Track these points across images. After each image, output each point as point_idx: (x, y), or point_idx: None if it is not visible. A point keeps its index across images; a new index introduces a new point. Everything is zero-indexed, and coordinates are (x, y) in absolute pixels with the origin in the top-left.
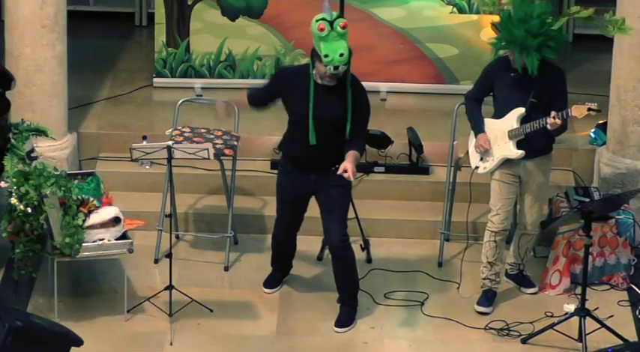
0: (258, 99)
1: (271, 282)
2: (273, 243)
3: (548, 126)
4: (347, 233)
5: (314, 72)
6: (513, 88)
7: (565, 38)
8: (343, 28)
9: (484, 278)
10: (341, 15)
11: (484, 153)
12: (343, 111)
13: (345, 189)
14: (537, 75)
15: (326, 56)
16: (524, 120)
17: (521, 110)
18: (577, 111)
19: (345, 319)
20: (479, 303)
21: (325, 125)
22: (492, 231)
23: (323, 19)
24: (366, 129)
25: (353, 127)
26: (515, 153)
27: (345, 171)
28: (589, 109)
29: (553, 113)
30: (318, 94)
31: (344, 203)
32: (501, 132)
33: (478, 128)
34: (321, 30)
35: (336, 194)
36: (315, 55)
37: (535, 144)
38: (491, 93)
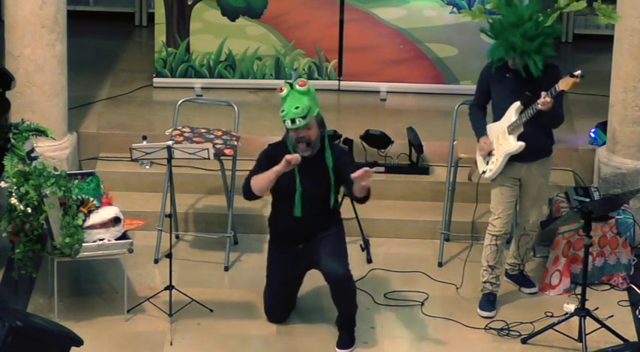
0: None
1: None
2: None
3: (540, 106)
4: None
5: (291, 146)
6: (510, 89)
7: (559, 30)
8: (302, 85)
9: (485, 282)
10: (341, 12)
11: (487, 155)
12: (325, 182)
13: (337, 234)
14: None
15: (282, 111)
16: (522, 113)
17: (517, 104)
18: (564, 84)
19: (347, 340)
20: (482, 308)
21: (308, 198)
22: (494, 235)
23: (285, 83)
24: None
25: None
26: (515, 145)
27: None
28: (572, 75)
29: (543, 93)
30: (299, 168)
31: (342, 245)
32: (502, 131)
33: (480, 133)
34: (282, 91)
35: (331, 240)
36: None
37: (536, 146)
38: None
